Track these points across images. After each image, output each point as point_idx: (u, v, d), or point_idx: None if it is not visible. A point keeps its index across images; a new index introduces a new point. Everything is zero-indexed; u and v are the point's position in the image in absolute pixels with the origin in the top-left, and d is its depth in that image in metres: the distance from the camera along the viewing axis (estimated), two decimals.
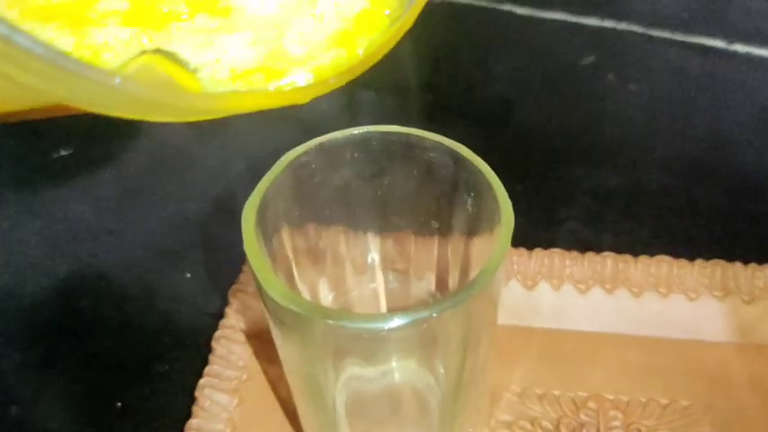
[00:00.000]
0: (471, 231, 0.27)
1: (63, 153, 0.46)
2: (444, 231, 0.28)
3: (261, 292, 0.23)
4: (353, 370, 0.24)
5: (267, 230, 0.25)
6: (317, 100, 0.22)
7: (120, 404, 0.35)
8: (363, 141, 0.26)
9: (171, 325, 0.37)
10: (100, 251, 0.41)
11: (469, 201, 0.26)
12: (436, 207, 0.27)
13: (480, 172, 0.24)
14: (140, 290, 0.39)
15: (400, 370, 0.26)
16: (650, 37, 0.51)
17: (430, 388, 0.27)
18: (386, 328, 0.21)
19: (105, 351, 0.37)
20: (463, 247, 0.29)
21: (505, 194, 0.24)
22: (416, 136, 0.26)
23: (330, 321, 0.21)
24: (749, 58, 0.49)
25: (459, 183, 0.26)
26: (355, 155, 0.26)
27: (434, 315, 0.21)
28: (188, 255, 0.40)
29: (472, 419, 0.30)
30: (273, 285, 0.22)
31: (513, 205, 0.27)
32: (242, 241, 0.24)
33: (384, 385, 0.26)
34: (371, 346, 0.22)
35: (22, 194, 0.45)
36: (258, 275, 0.22)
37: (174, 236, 0.42)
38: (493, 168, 0.25)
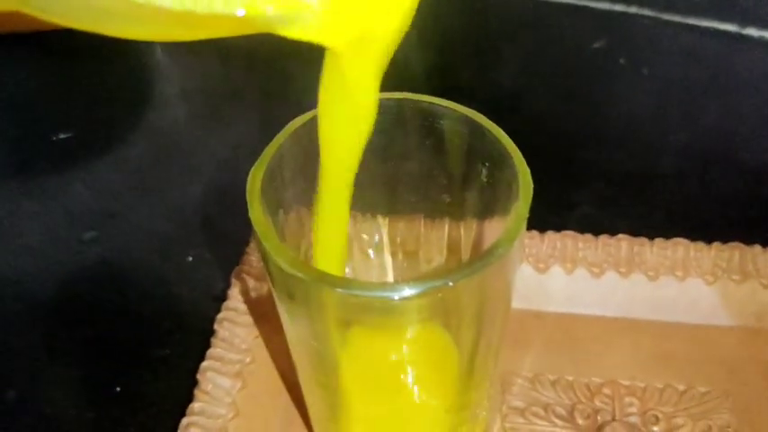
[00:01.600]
0: (486, 206, 0.26)
1: (62, 136, 0.45)
2: (456, 206, 0.27)
3: (266, 260, 0.22)
4: (363, 346, 0.23)
5: (273, 202, 0.24)
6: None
7: (119, 389, 0.34)
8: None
9: (172, 308, 0.36)
10: (100, 234, 0.40)
11: (484, 171, 0.25)
12: (448, 179, 0.26)
13: (497, 139, 0.23)
14: (141, 273, 0.38)
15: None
16: (662, 21, 0.50)
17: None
18: (396, 297, 0.20)
19: (105, 335, 0.36)
20: (476, 225, 0.28)
21: (523, 161, 0.23)
22: (427, 102, 0.24)
23: (339, 290, 0.20)
24: (763, 42, 0.48)
25: (473, 152, 0.25)
26: None
27: (450, 284, 0.20)
28: (190, 238, 0.40)
29: (484, 404, 0.29)
30: (280, 251, 0.21)
31: None
32: (245, 226, 0.23)
33: (395, 364, 0.24)
34: (382, 318, 0.21)
35: (21, 178, 0.44)
36: (264, 242, 0.21)
37: (176, 219, 0.41)
38: None
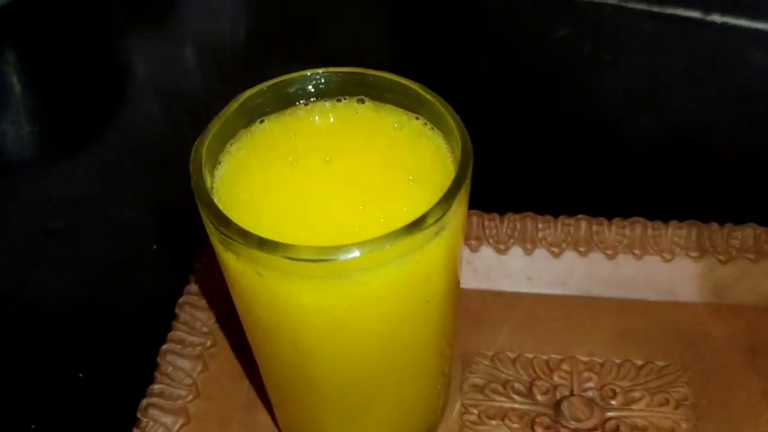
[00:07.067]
0: (430, 172, 0.26)
1: (29, 129, 0.45)
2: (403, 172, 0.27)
3: (211, 230, 0.22)
4: (316, 313, 0.23)
5: (217, 173, 0.24)
6: None
7: (81, 375, 0.34)
8: (317, 82, 0.25)
9: (135, 295, 0.37)
10: (64, 221, 0.40)
11: (425, 138, 0.25)
12: (393, 151, 0.26)
13: (435, 105, 0.24)
14: (105, 260, 0.38)
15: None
16: (626, 8, 0.50)
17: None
18: (342, 258, 0.20)
19: (66, 321, 0.36)
20: (423, 191, 0.28)
21: (462, 126, 0.23)
22: (374, 75, 0.25)
23: (280, 254, 0.20)
24: (726, 29, 0.49)
25: (416, 118, 0.25)
26: (311, 98, 0.25)
27: (387, 246, 0.20)
28: (154, 226, 0.40)
29: (442, 380, 0.29)
30: (222, 219, 0.21)
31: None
32: None
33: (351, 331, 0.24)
34: (329, 281, 0.21)
35: None
36: (205, 212, 0.21)
37: (141, 208, 0.41)
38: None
